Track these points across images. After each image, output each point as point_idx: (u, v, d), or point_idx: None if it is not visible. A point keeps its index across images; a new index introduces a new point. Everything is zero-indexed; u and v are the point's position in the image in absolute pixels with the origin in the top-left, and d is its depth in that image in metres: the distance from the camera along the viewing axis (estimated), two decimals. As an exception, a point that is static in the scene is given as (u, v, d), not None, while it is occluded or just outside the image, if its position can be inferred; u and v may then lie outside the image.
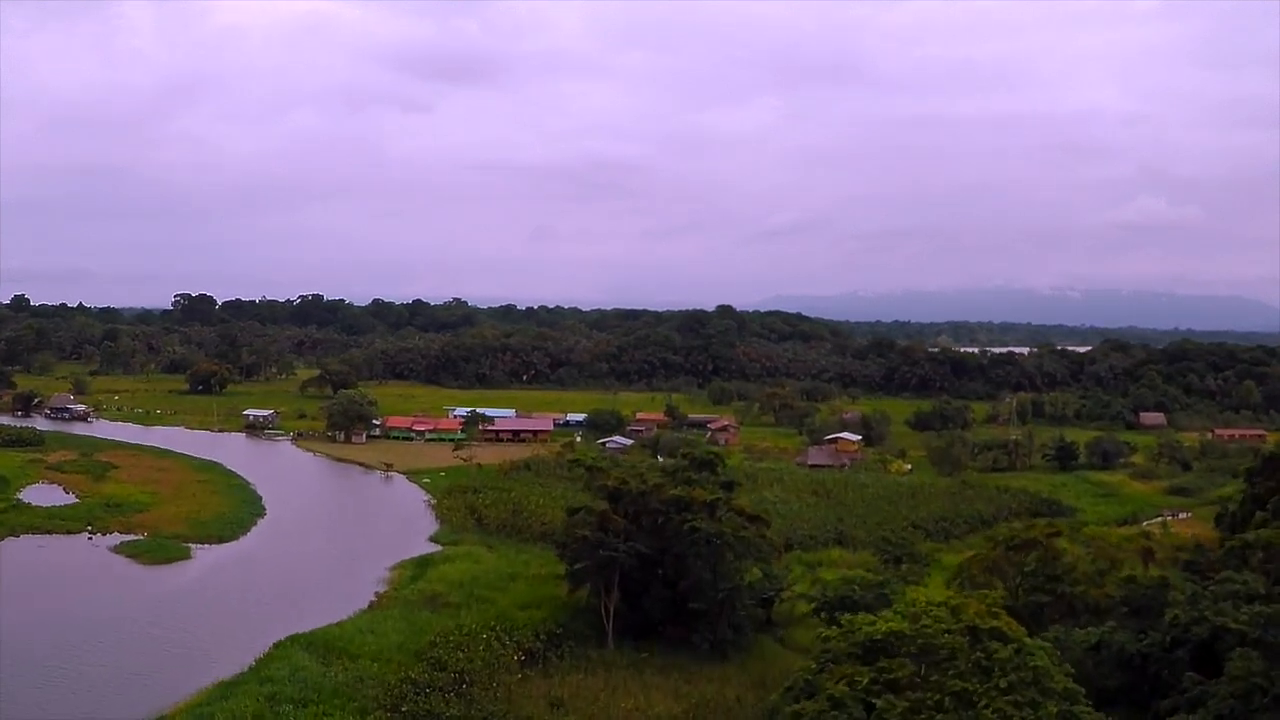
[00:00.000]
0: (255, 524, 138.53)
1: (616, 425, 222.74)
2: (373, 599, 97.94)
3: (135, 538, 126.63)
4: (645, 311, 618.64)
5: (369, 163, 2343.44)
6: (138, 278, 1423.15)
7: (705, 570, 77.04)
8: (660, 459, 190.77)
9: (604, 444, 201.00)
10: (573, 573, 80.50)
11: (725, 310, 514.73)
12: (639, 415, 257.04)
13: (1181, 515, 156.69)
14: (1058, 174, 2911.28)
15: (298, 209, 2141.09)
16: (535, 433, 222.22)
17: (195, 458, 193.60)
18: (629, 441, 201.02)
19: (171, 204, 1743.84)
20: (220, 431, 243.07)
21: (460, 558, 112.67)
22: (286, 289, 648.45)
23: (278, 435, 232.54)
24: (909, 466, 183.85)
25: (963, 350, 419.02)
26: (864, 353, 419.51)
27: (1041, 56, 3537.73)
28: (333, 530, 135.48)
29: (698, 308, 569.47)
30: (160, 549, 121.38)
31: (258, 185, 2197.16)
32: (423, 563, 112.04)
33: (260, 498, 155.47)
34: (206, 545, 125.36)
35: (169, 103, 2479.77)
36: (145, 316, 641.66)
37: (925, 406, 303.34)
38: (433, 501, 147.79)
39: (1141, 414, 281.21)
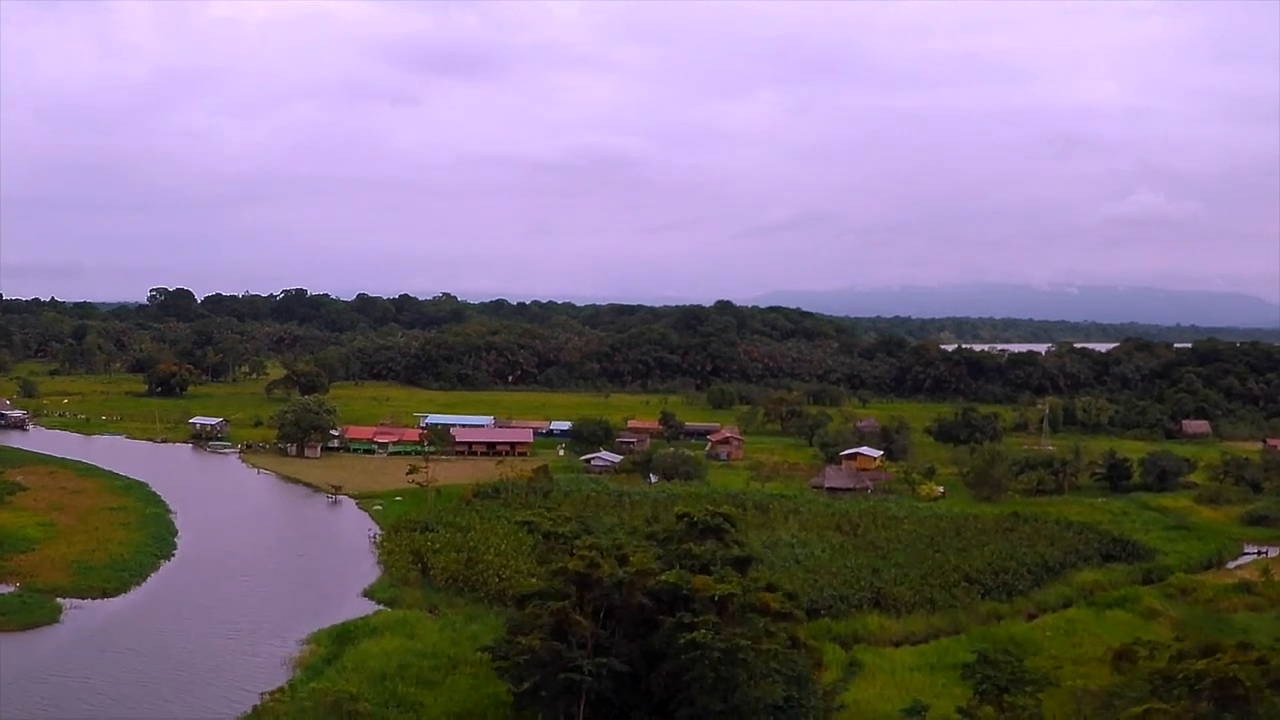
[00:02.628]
0: (157, 569, 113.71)
1: (604, 437, 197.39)
2: (260, 701, 72.68)
3: (3, 590, 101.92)
4: (640, 307, 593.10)
5: (366, 157, 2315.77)
6: (130, 271, 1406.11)
7: (713, 699, 51.97)
8: (653, 479, 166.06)
9: (588, 461, 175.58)
10: (518, 696, 55.11)
11: (724, 306, 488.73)
12: (631, 423, 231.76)
13: (1270, 552, 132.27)
14: (1057, 168, 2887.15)
15: (292, 204, 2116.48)
16: (512, 445, 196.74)
17: (121, 476, 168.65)
18: (617, 458, 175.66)
19: (164, 198, 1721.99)
20: (163, 442, 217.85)
21: (392, 628, 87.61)
22: (280, 284, 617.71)
23: (224, 448, 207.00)
24: (941, 489, 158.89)
25: (979, 350, 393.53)
26: (872, 352, 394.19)
27: (1043, 51, 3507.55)
28: (248, 580, 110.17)
29: (694, 303, 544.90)
30: (24, 608, 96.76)
31: (253, 180, 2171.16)
32: (343, 635, 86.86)
33: (175, 531, 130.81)
34: (86, 601, 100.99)
35: (165, 97, 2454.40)
36: (121, 311, 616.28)
37: (945, 412, 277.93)
38: (379, 538, 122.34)
39: (1184, 422, 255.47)
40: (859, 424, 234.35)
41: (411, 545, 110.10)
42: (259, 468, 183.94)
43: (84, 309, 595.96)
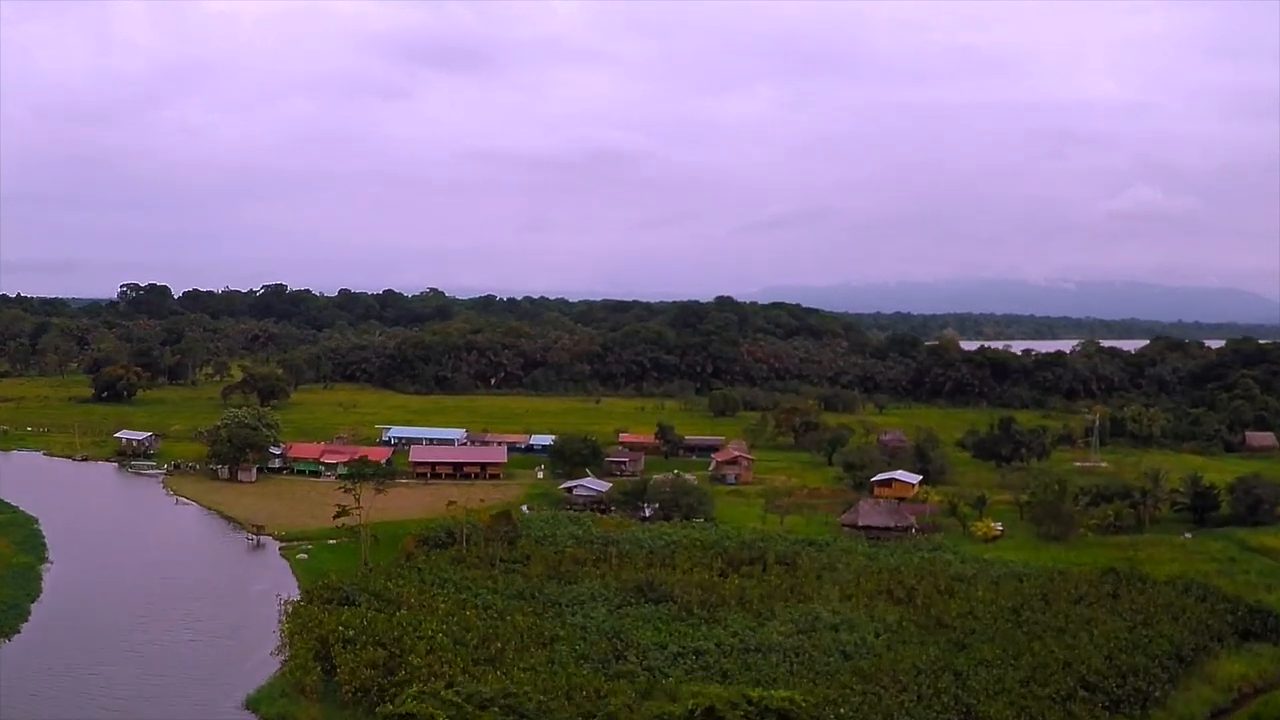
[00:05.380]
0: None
1: (591, 456, 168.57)
2: None
3: None
4: (636, 303, 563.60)
5: (362, 153, 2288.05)
6: (124, 268, 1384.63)
7: None
8: (648, 512, 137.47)
9: (570, 489, 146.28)
10: None
11: (724, 302, 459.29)
12: (623, 437, 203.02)
13: None
14: (1054, 163, 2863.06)
15: (287, 199, 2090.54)
16: (482, 467, 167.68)
17: (9, 509, 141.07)
18: (605, 486, 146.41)
19: (159, 193, 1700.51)
20: (83, 460, 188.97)
21: (261, 782, 59.03)
22: (274, 280, 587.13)
23: (148, 468, 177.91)
24: (999, 527, 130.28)
25: (998, 348, 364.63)
26: (884, 351, 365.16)
27: (1041, 46, 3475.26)
28: (101, 674, 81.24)
29: (691, 299, 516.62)
30: None
31: (249, 175, 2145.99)
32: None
33: (38, 592, 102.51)
34: None
35: (161, 93, 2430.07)
36: (92, 308, 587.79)
37: (973, 420, 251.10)
38: (289, 607, 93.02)
39: (1247, 434, 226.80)
40: (883, 437, 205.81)
41: (320, 628, 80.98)
42: (180, 495, 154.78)
43: (53, 305, 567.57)
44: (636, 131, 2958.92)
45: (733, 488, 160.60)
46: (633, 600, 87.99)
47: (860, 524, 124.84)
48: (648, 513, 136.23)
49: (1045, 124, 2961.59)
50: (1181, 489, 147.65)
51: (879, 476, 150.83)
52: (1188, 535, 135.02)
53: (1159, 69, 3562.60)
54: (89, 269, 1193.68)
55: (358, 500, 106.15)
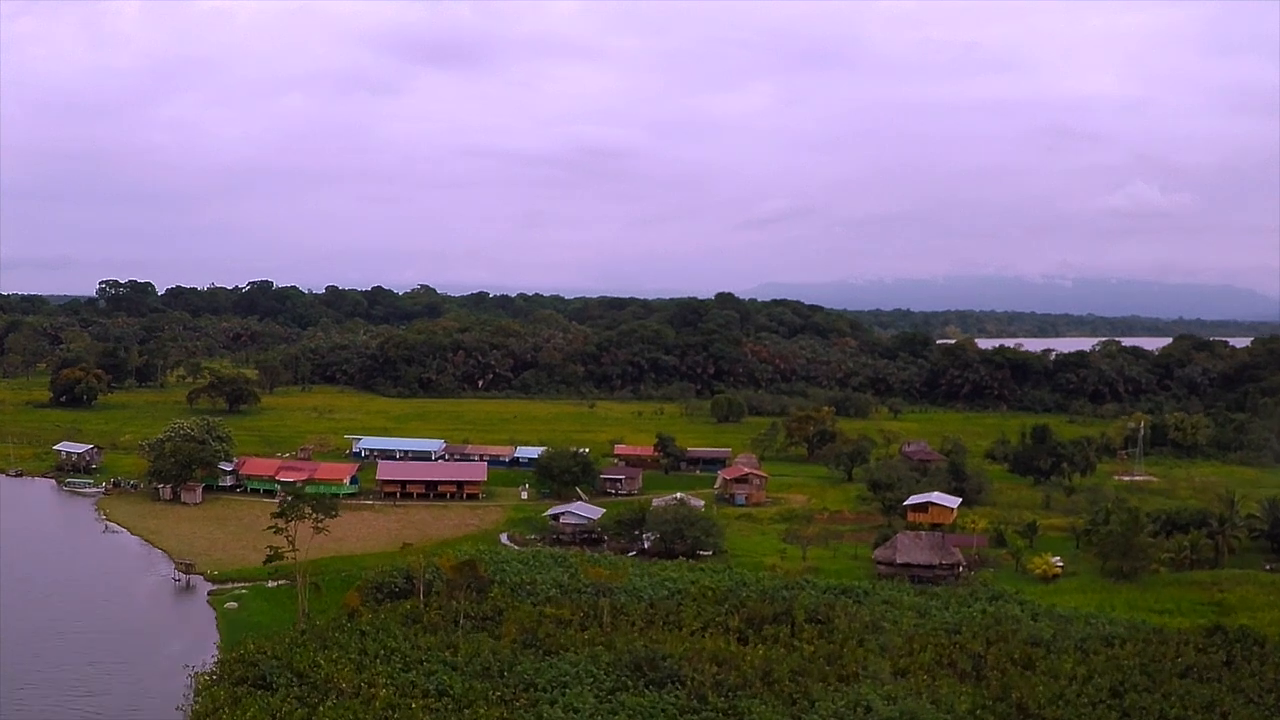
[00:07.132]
0: None
1: (582, 473, 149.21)
2: None
3: None
4: (633, 300, 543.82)
5: (357, 150, 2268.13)
6: (119, 265, 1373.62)
7: None
8: (646, 544, 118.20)
9: (556, 517, 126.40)
10: None
11: (725, 299, 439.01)
12: (619, 448, 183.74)
13: None
14: (1051, 160, 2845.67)
15: (282, 197, 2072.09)
16: (459, 486, 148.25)
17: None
18: (596, 513, 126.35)
19: (154, 191, 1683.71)
20: (18, 476, 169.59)
21: None
22: (267, 278, 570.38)
23: (86, 486, 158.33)
24: (1059, 563, 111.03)
25: (1012, 346, 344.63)
26: (894, 351, 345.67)
27: (1040, 42, 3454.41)
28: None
29: (690, 296, 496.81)
30: None
31: (244, 173, 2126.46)
32: None
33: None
34: None
35: (156, 89, 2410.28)
36: (71, 305, 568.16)
37: (995, 425, 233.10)
38: (195, 685, 73.33)
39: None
40: (905, 447, 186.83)
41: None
42: (111, 521, 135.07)
43: (31, 303, 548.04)
44: (633, 128, 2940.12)
45: (743, 510, 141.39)
46: (629, 681, 68.58)
47: (899, 561, 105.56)
48: (646, 544, 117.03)
49: (1043, 120, 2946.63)
50: (1259, 514, 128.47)
51: (912, 500, 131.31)
52: (1268, 568, 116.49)
53: (1157, 65, 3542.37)
54: (81, 266, 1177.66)
55: (291, 541, 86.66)
